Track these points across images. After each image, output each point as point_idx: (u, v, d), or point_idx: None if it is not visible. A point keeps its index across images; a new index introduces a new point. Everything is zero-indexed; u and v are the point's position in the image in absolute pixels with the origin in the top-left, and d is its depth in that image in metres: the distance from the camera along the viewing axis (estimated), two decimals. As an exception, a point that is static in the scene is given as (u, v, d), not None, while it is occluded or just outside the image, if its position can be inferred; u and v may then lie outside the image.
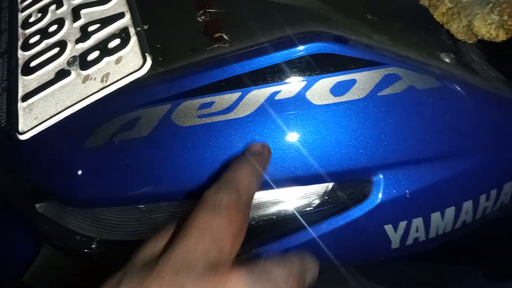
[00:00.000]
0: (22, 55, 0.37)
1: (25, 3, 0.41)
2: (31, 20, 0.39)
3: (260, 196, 0.34)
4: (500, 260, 0.58)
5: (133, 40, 0.33)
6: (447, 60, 0.36)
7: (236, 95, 0.32)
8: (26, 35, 0.38)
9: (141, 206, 0.35)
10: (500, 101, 0.35)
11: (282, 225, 0.35)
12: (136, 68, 0.31)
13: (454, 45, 0.38)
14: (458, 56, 0.37)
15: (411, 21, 0.38)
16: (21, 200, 0.39)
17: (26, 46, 0.37)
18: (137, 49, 0.32)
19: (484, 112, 0.34)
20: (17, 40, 0.38)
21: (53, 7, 0.39)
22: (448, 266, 0.59)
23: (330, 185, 0.34)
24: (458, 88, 0.33)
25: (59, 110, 0.32)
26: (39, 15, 0.39)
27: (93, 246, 0.37)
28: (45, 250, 0.47)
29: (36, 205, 0.37)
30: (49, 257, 0.46)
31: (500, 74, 0.39)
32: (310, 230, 0.34)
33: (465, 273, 0.59)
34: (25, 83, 0.35)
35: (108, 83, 0.32)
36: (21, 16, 0.40)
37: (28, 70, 0.35)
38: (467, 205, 0.34)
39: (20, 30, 0.39)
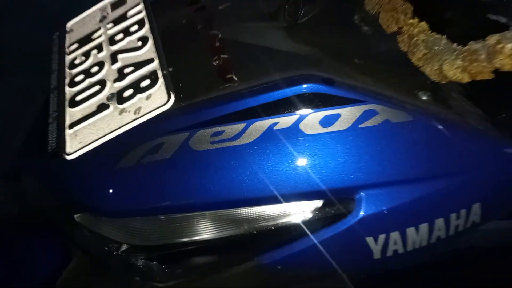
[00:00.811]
0: (69, 91, 0.45)
1: (71, 47, 0.50)
2: (76, 62, 0.48)
3: (260, 210, 0.40)
4: None
5: (160, 81, 0.41)
6: (424, 98, 0.43)
7: (242, 125, 0.39)
8: (72, 75, 0.46)
9: (161, 217, 0.41)
10: (469, 131, 0.41)
11: (279, 236, 0.41)
12: (163, 103, 0.39)
13: (432, 84, 0.44)
14: (435, 94, 0.43)
15: (394, 64, 0.45)
16: (60, 212, 0.46)
17: (72, 84, 0.45)
18: (163, 88, 0.40)
19: (453, 141, 0.40)
20: (64, 78, 0.47)
21: (95, 51, 0.47)
22: None
23: (320, 202, 0.40)
24: (430, 121, 0.40)
25: (99, 136, 0.40)
26: (83, 58, 0.48)
27: (121, 250, 0.44)
28: (77, 258, 0.54)
29: (75, 216, 0.44)
30: (80, 264, 0.53)
31: (478, 108, 0.46)
32: (302, 241, 0.40)
33: None
34: (72, 114, 0.43)
35: (139, 115, 0.39)
36: (68, 58, 0.49)
37: (74, 103, 0.43)
38: (439, 222, 0.40)
39: (67, 70, 0.47)
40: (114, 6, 0.52)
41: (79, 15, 0.54)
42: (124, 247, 0.43)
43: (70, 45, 0.50)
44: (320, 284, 0.46)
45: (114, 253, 0.43)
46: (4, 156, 0.59)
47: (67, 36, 0.52)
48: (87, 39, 0.50)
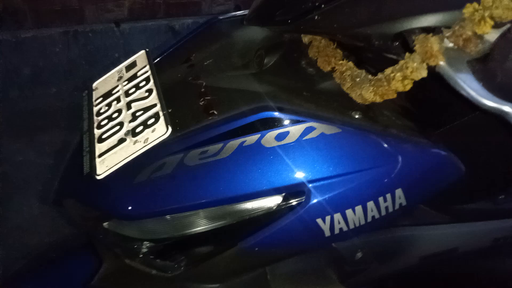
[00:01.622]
0: (97, 132, 0.62)
1: (97, 101, 0.67)
2: (102, 111, 0.65)
3: (238, 206, 0.55)
4: None
5: (161, 118, 0.57)
6: (356, 116, 0.58)
7: (220, 145, 0.55)
8: (99, 120, 0.64)
9: (167, 217, 0.56)
10: (389, 135, 0.56)
11: (254, 225, 0.55)
12: (163, 134, 0.55)
13: (364, 107, 0.60)
14: (364, 112, 0.59)
15: (331, 93, 0.61)
16: (91, 222, 0.61)
17: (99, 127, 0.62)
18: (163, 123, 0.56)
19: (376, 143, 0.55)
20: (93, 123, 0.64)
21: (115, 102, 0.65)
22: None
23: (281, 196, 0.54)
24: (356, 131, 0.55)
25: (120, 160, 0.56)
26: (106, 107, 0.65)
27: (142, 247, 0.58)
28: (107, 263, 0.68)
29: (104, 224, 0.59)
30: (110, 266, 0.67)
31: (408, 121, 0.61)
32: (272, 227, 0.54)
33: None
34: (100, 147, 0.59)
35: (148, 143, 0.55)
36: (95, 109, 0.66)
37: (101, 140, 0.60)
38: (370, 204, 0.54)
39: (95, 117, 0.65)
40: (127, 68, 0.70)
41: (102, 77, 0.72)
42: (141, 242, 0.58)
43: (96, 99, 0.68)
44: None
45: (135, 246, 0.57)
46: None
47: (93, 93, 0.70)
48: (108, 94, 0.67)
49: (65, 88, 2.49)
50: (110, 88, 0.69)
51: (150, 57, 0.69)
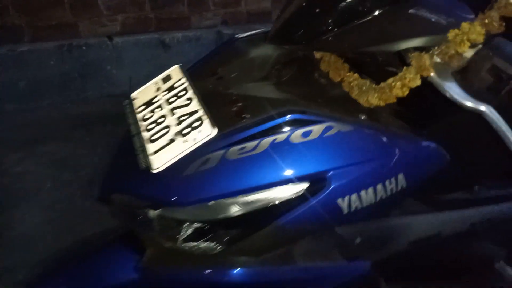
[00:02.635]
0: (146, 134, 0.73)
1: (140, 108, 0.78)
2: (146, 117, 0.76)
3: (273, 191, 0.67)
4: None
5: (206, 121, 0.69)
6: (363, 117, 0.72)
7: (256, 142, 0.67)
8: (146, 125, 0.75)
9: (212, 202, 0.67)
10: (390, 132, 0.70)
11: (286, 206, 0.67)
12: (209, 134, 0.67)
13: (369, 109, 0.73)
14: (369, 114, 0.73)
15: (342, 100, 0.74)
16: (144, 210, 0.71)
17: (147, 130, 0.73)
18: (209, 125, 0.68)
19: (381, 138, 0.68)
20: (139, 127, 0.75)
21: (158, 109, 0.76)
22: None
23: (307, 183, 0.67)
24: (365, 129, 0.68)
25: (172, 157, 0.67)
26: (150, 114, 0.76)
27: (188, 230, 0.69)
28: (150, 250, 0.77)
29: (156, 211, 0.70)
30: (153, 251, 0.77)
31: (402, 122, 0.75)
32: (301, 207, 0.66)
33: None
34: (152, 147, 0.70)
35: (196, 142, 0.67)
36: (139, 115, 0.77)
37: (152, 141, 0.71)
38: (379, 186, 0.67)
39: (140, 122, 0.76)
40: (164, 81, 0.82)
41: (140, 88, 0.84)
42: (188, 225, 0.68)
43: (139, 107, 0.79)
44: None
45: (181, 229, 0.68)
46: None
47: (134, 102, 0.81)
48: (149, 102, 0.79)
49: (59, 100, 2.55)
50: (150, 97, 0.80)
51: (184, 71, 0.81)
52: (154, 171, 0.67)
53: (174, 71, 0.83)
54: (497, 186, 1.06)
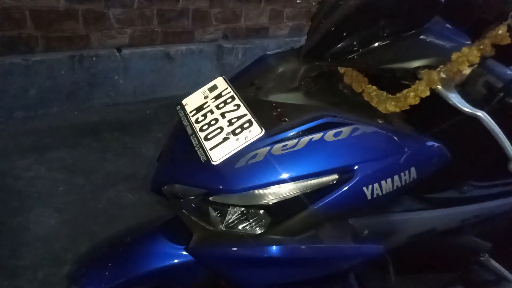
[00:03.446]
0: (201, 134, 0.87)
1: (192, 113, 0.92)
2: (199, 120, 0.90)
3: (310, 181, 0.81)
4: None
5: (255, 123, 0.83)
6: (380, 122, 0.88)
7: (296, 140, 0.82)
8: (200, 126, 0.88)
9: (259, 190, 0.81)
10: (403, 134, 0.86)
11: (321, 193, 0.81)
12: (259, 133, 0.81)
13: (385, 115, 0.89)
14: (386, 119, 0.89)
15: (363, 107, 0.90)
16: (198, 197, 0.85)
17: (202, 130, 0.87)
18: (257, 126, 0.82)
19: (396, 138, 0.84)
20: (195, 128, 0.88)
21: (209, 114, 0.90)
22: None
23: (338, 173, 0.82)
24: (384, 130, 0.84)
25: (228, 152, 0.81)
26: (203, 117, 0.90)
27: (235, 214, 0.82)
28: (197, 234, 0.90)
29: (210, 198, 0.83)
30: (201, 234, 0.89)
31: (409, 127, 0.91)
32: (333, 194, 0.81)
33: None
34: (208, 144, 0.84)
35: (247, 140, 0.81)
36: (192, 118, 0.91)
37: (207, 139, 0.85)
38: (396, 177, 0.83)
39: (194, 124, 0.90)
40: (210, 90, 0.96)
41: (189, 96, 0.98)
42: (237, 209, 0.82)
43: (191, 111, 0.93)
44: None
45: (231, 211, 0.82)
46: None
47: (185, 107, 0.95)
48: (200, 108, 0.93)
49: (67, 108, 2.64)
50: (200, 104, 0.94)
51: (227, 82, 0.96)
52: (214, 163, 0.81)
53: (219, 81, 0.97)
54: (485, 187, 1.23)
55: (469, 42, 0.80)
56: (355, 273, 1.03)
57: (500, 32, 0.72)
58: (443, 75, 0.77)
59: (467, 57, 0.74)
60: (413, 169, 0.85)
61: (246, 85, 0.98)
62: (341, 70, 0.94)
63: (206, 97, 0.95)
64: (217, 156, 0.81)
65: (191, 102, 0.96)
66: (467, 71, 0.76)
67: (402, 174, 0.84)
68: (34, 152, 2.32)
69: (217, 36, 3.09)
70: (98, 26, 2.49)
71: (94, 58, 2.55)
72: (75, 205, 2.03)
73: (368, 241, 0.97)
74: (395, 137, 0.85)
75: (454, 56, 0.76)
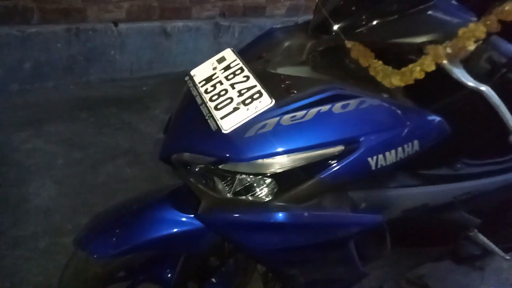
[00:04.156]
0: (211, 104, 0.88)
1: (201, 83, 0.94)
2: (208, 90, 0.92)
3: (316, 150, 0.84)
4: None
5: (265, 93, 0.85)
6: (385, 95, 0.91)
7: (304, 111, 0.84)
8: (209, 96, 0.90)
9: (268, 159, 0.84)
10: (406, 107, 0.89)
11: (327, 162, 0.84)
12: (269, 103, 0.84)
13: (389, 90, 0.92)
14: (390, 93, 0.91)
15: (369, 81, 0.93)
16: (211, 166, 0.87)
17: (211, 100, 0.89)
18: (267, 97, 0.85)
19: (399, 111, 0.88)
20: (204, 98, 0.90)
21: (218, 84, 0.92)
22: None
23: (344, 144, 0.85)
24: (389, 104, 0.87)
25: (238, 121, 0.83)
26: (212, 88, 0.92)
27: (246, 177, 0.85)
28: (205, 201, 0.93)
29: (220, 166, 0.86)
30: (208, 203, 0.92)
31: (411, 101, 0.94)
32: (339, 163, 0.84)
33: None
34: (218, 114, 0.86)
35: (257, 110, 0.84)
36: (201, 89, 0.93)
37: (217, 109, 0.87)
38: (400, 148, 0.86)
39: (204, 95, 0.91)
40: (218, 61, 0.98)
41: (197, 67, 0.99)
42: (246, 176, 0.85)
43: (200, 82, 0.95)
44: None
45: (240, 178, 0.84)
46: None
47: (194, 78, 0.97)
48: (209, 79, 0.94)
49: (63, 83, 2.62)
50: (209, 75, 0.95)
51: (236, 53, 0.97)
52: (225, 132, 0.83)
53: (227, 53, 0.98)
54: (477, 165, 1.28)
55: (475, 19, 0.82)
56: (354, 242, 1.07)
57: (507, 8, 0.75)
58: (449, 50, 0.80)
59: (473, 33, 0.77)
60: (416, 142, 0.88)
61: (254, 58, 1.00)
62: (348, 44, 0.96)
63: (214, 68, 0.97)
64: (228, 125, 0.84)
65: (199, 73, 0.98)
66: (472, 46, 0.79)
67: (405, 146, 0.87)
68: (31, 125, 2.31)
69: (214, 13, 3.07)
70: (95, -1, 2.46)
71: (90, 32, 2.52)
72: (74, 178, 2.04)
73: (367, 212, 1.01)
74: (399, 111, 0.89)
75: (460, 31, 0.79)
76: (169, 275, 1.23)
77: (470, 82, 0.79)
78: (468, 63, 0.80)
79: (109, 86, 2.73)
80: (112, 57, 2.68)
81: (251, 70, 0.92)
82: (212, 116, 0.87)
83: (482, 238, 1.49)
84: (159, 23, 2.79)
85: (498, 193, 1.33)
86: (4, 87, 2.43)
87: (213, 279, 1.35)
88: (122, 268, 1.09)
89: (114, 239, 1.02)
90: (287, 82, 0.91)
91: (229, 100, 0.88)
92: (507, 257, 1.54)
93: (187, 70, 1.01)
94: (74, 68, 2.58)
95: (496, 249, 1.47)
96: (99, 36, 2.57)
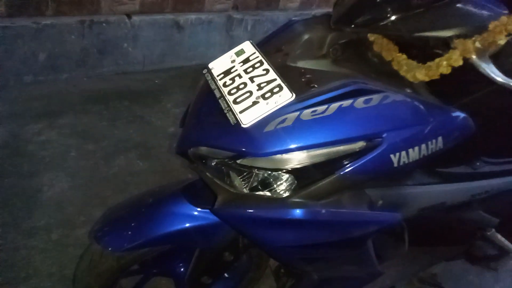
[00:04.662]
0: (229, 98, 0.87)
1: (220, 76, 0.92)
2: (227, 84, 0.90)
3: (337, 146, 0.82)
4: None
5: (284, 88, 0.83)
6: (408, 91, 0.88)
7: (325, 106, 0.82)
8: (228, 90, 0.88)
9: (288, 154, 0.82)
10: (430, 104, 0.86)
11: (347, 159, 0.82)
12: (289, 98, 0.82)
13: (412, 85, 0.89)
14: (413, 89, 0.89)
15: (392, 75, 0.90)
16: (228, 160, 0.86)
17: (230, 94, 0.87)
18: (288, 91, 0.83)
19: (423, 107, 0.85)
20: (223, 92, 0.89)
21: (237, 78, 0.90)
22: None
23: (366, 140, 0.83)
24: (413, 99, 0.84)
25: (257, 116, 0.81)
26: (230, 81, 0.90)
27: (262, 176, 0.83)
28: (222, 195, 0.91)
29: (238, 161, 0.85)
30: (225, 196, 0.90)
31: (434, 97, 0.91)
32: (361, 160, 0.82)
33: None
34: (237, 107, 0.84)
35: (277, 104, 0.82)
36: (220, 82, 0.91)
37: (236, 102, 0.85)
38: (423, 145, 0.84)
39: (222, 88, 0.90)
40: (237, 54, 0.96)
41: (215, 60, 0.97)
42: (264, 172, 0.83)
43: (218, 75, 0.93)
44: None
45: (258, 173, 0.83)
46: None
47: (212, 70, 0.95)
48: (228, 72, 0.92)
49: (76, 75, 2.63)
50: (227, 68, 0.94)
51: (255, 46, 0.95)
52: (244, 126, 0.81)
53: (246, 45, 0.96)
54: (496, 163, 1.25)
55: (506, 12, 0.79)
56: (372, 240, 1.05)
57: (541, 1, 0.72)
58: (478, 45, 0.77)
59: (505, 27, 0.73)
60: (440, 139, 0.86)
61: (273, 51, 0.98)
62: (371, 38, 0.94)
63: (233, 61, 0.95)
64: (247, 119, 0.82)
65: (217, 66, 0.96)
66: (503, 41, 0.76)
67: (429, 143, 0.85)
68: (45, 117, 2.32)
69: (227, 6, 3.04)
70: (108, -9, 2.45)
71: (104, 24, 2.51)
72: (87, 170, 2.05)
73: (384, 210, 0.99)
74: (422, 106, 0.86)
75: (491, 25, 0.75)
76: (182, 269, 1.23)
77: (500, 78, 0.75)
78: (498, 58, 0.77)
79: (121, 79, 2.73)
80: (125, 50, 2.68)
81: (271, 63, 0.90)
82: (231, 109, 0.85)
83: (500, 238, 1.46)
84: (172, 16, 2.77)
85: (516, 192, 1.30)
86: (19, 78, 2.44)
87: (226, 274, 1.34)
88: (136, 261, 1.09)
89: (129, 232, 1.02)
90: (307, 75, 0.88)
91: (248, 94, 0.86)
92: (525, 258, 1.50)
93: (199, 63, 0.99)
94: (87, 61, 2.58)
95: None
96: (112, 29, 2.56)
